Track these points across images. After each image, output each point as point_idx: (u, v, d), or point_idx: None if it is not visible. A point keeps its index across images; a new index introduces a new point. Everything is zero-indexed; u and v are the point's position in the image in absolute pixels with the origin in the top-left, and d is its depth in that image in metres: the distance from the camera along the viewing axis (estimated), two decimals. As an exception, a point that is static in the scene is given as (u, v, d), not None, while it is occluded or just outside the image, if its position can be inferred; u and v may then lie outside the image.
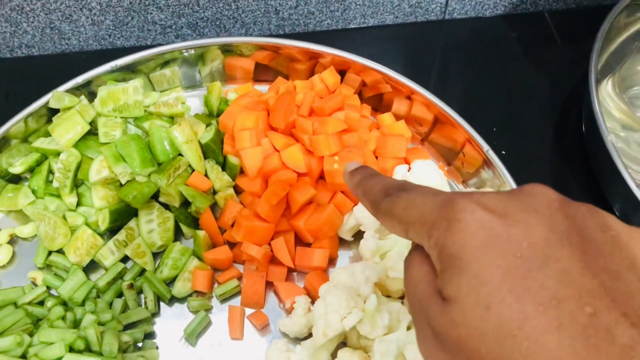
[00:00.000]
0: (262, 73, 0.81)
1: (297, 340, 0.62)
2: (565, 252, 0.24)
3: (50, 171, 0.70)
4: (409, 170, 0.66)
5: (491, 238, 0.25)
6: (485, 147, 0.67)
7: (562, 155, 0.78)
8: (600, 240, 0.25)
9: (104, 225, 0.66)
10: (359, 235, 0.67)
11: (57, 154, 0.69)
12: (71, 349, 0.55)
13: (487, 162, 0.68)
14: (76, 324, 0.60)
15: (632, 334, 0.21)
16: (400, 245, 0.63)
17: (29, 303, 0.61)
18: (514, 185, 0.65)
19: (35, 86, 0.79)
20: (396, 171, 0.67)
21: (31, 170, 0.71)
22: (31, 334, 0.57)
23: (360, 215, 0.65)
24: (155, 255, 0.67)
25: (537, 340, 0.22)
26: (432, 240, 0.27)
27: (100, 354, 0.56)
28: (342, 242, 0.68)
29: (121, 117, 0.70)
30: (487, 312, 0.24)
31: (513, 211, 0.26)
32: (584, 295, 0.23)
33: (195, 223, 0.69)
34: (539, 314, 0.23)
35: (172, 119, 0.73)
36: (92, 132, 0.70)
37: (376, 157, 0.71)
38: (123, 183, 0.67)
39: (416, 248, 0.31)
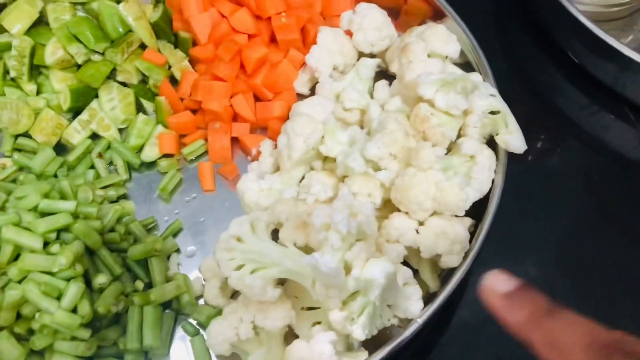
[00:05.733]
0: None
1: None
2: None
3: (6, 70, 0.71)
4: (354, 13, 0.69)
5: None
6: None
7: None
8: None
9: (66, 104, 0.67)
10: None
11: (9, 47, 0.70)
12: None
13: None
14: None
15: None
16: (353, 78, 0.66)
17: (3, 180, 0.63)
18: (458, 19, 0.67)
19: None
20: (343, 17, 0.70)
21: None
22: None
23: (314, 62, 0.67)
24: (121, 132, 0.69)
25: None
26: None
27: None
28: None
29: (69, 2, 0.71)
30: None
31: None
32: None
33: (154, 98, 0.71)
34: None
35: (118, 1, 0.74)
36: (44, 22, 0.71)
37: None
38: (80, 64, 0.68)
39: None
